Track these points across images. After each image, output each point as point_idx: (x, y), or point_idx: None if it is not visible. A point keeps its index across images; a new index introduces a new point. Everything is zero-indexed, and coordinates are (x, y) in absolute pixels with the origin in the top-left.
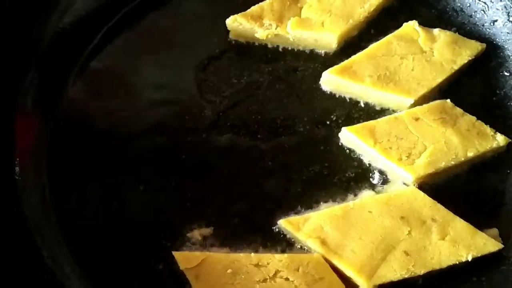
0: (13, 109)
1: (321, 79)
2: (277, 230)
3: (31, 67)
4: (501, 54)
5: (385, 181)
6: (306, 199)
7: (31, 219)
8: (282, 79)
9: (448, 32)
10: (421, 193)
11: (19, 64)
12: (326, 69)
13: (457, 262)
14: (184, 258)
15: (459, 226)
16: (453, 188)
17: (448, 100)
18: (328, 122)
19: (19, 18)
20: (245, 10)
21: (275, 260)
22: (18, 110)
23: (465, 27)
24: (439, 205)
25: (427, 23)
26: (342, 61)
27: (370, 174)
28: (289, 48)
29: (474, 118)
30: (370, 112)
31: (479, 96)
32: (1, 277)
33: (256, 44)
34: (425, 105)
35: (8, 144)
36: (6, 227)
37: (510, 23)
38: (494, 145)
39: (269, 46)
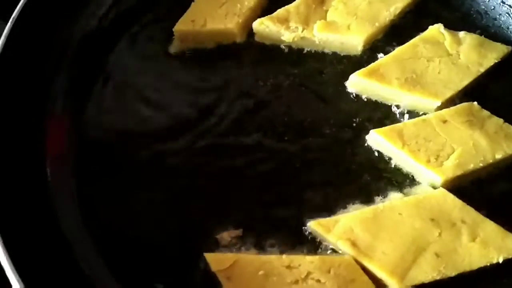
0: (43, 113)
1: (348, 81)
2: (306, 231)
3: (60, 71)
4: None
5: (413, 183)
6: (334, 201)
7: (62, 221)
8: (307, 81)
9: (473, 35)
10: (451, 195)
11: (48, 68)
12: (351, 71)
13: (488, 264)
14: (216, 260)
15: (489, 228)
16: (482, 190)
17: (475, 103)
18: (354, 125)
19: (47, 23)
20: (271, 13)
21: (306, 261)
22: (47, 114)
23: (489, 30)
24: (468, 207)
25: (451, 25)
26: (367, 63)
27: (398, 176)
28: (314, 51)
29: (501, 120)
30: (397, 114)
31: (505, 99)
32: (34, 277)
33: (281, 46)
34: (452, 108)
35: (39, 147)
36: (39, 229)
37: None
38: None
39: (294, 48)
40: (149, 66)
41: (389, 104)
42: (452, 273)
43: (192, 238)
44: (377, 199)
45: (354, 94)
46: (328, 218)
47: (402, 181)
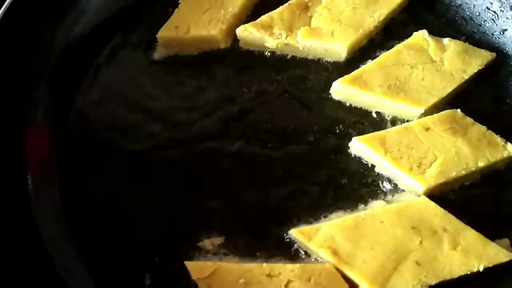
0: (24, 121)
1: (331, 88)
2: (288, 239)
3: (42, 78)
4: (511, 63)
5: (395, 191)
6: (317, 209)
7: (43, 229)
8: (291, 88)
9: (458, 42)
10: (432, 203)
11: (30, 76)
12: (336, 78)
13: (469, 272)
14: (197, 268)
15: (470, 236)
16: (464, 198)
17: (459, 110)
18: (338, 132)
19: (29, 30)
20: (255, 19)
21: (286, 270)
22: (29, 122)
23: (474, 36)
24: (450, 215)
25: (436, 32)
26: (352, 70)
27: (381, 184)
28: (299, 57)
29: (484, 128)
30: (380, 122)
31: (489, 106)
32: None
33: (266, 53)
34: (435, 115)
35: (19, 155)
36: (20, 237)
37: None
38: (505, 155)
39: (279, 54)
40: (133, 72)
41: (373, 111)
42: (433, 281)
43: (174, 245)
44: (360, 206)
45: (338, 101)
46: (309, 226)
47: (384, 188)
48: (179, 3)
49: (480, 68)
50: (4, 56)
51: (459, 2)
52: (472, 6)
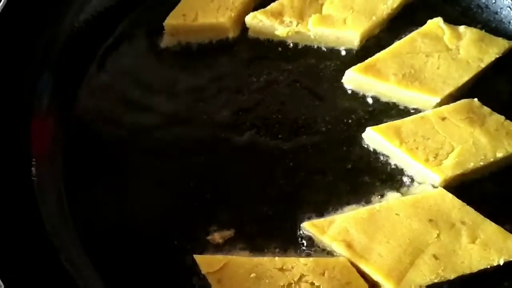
0: (28, 111)
1: (344, 77)
2: (300, 232)
3: (46, 68)
4: None
5: (411, 182)
6: (330, 201)
7: (48, 221)
8: (302, 77)
9: (474, 29)
10: (450, 195)
11: (34, 66)
12: (348, 67)
13: (488, 267)
14: (206, 262)
15: (490, 229)
16: (482, 190)
17: (476, 99)
18: (350, 122)
19: (33, 18)
20: (264, 7)
21: (300, 264)
22: (33, 112)
23: (490, 24)
24: (468, 207)
25: (451, 20)
26: (364, 59)
27: (395, 175)
28: (309, 46)
29: (502, 117)
30: (394, 111)
31: (506, 95)
32: (19, 280)
33: (276, 41)
34: (451, 104)
35: (24, 146)
36: (24, 229)
37: None
38: None
39: (289, 43)
40: (138, 61)
41: (387, 101)
42: (451, 275)
43: (183, 239)
44: (374, 199)
45: (350, 90)
46: (322, 219)
47: (399, 180)
48: None
49: (497, 56)
50: (8, 45)
51: None
52: None
